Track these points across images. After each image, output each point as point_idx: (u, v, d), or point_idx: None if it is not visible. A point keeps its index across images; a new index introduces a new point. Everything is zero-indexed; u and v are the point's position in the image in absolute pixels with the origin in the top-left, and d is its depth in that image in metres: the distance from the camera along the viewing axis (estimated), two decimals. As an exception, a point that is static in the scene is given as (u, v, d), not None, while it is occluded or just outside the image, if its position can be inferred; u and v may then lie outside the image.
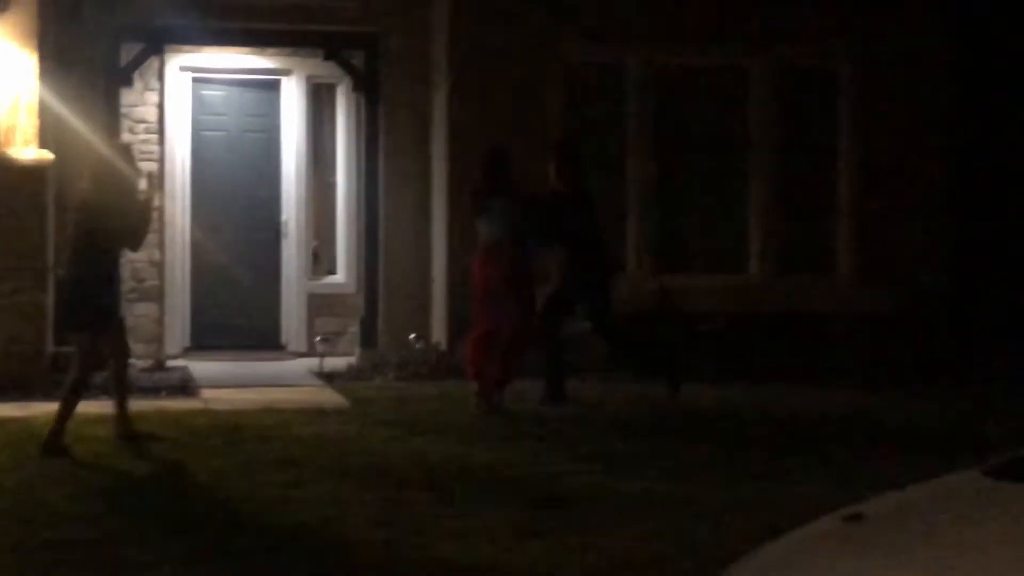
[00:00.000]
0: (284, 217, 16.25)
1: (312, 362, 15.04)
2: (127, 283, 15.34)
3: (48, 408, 10.98)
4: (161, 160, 15.66)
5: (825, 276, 15.70)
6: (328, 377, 14.22)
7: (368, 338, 15.44)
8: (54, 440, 9.91)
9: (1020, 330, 14.63)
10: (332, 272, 16.56)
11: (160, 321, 15.73)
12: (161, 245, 15.66)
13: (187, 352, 15.68)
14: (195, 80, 16.05)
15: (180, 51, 15.73)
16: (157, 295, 15.74)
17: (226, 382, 13.83)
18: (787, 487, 8.94)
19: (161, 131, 15.77)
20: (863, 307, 15.30)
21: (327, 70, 16.02)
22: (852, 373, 14.22)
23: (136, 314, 15.36)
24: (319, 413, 11.92)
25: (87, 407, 10.89)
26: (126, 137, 15.31)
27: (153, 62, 15.51)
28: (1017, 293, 15.28)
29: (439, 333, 15.05)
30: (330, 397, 12.98)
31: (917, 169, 15.57)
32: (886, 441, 10.79)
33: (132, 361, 14.70)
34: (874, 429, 11.41)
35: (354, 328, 15.84)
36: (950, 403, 12.71)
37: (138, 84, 15.55)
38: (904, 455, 10.01)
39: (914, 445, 10.54)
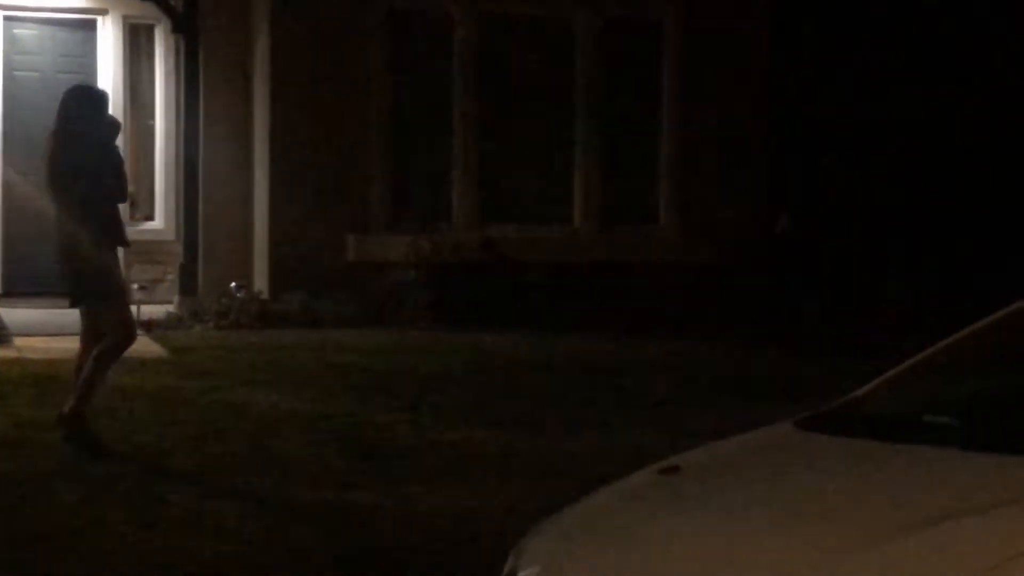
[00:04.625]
0: (101, 161, 15.93)
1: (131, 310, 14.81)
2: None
3: None
4: (-30, 101, 15.31)
5: (648, 227, 15.92)
6: (146, 325, 13.99)
7: (188, 286, 15.25)
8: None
9: (835, 278, 14.95)
10: (150, 218, 16.30)
11: (-31, 267, 15.40)
12: (-29, 188, 15.34)
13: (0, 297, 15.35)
14: (6, 19, 15.66)
15: (-11, -14, 15.39)
16: (-34, 240, 15.40)
17: (41, 330, 13.50)
18: (608, 438, 9.05)
19: (-30, 71, 15.40)
20: (685, 257, 15.54)
21: (145, 10, 15.69)
22: (674, 323, 14.40)
23: (-56, 258, 15.04)
24: (137, 363, 11.72)
25: None
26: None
27: (-40, -3, 15.14)
28: (833, 243, 15.63)
29: (261, 281, 14.95)
30: (148, 346, 12.78)
31: (738, 123, 15.84)
32: (706, 389, 11.01)
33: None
34: (695, 377, 11.58)
35: (173, 275, 15.65)
36: (764, 352, 12.96)
37: (-57, 20, 15.17)
38: (721, 402, 10.25)
39: (731, 392, 10.77)
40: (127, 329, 8.84)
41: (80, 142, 8.74)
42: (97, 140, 8.82)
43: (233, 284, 14.85)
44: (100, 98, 9.29)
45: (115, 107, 15.86)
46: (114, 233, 8.94)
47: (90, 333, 8.83)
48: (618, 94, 15.78)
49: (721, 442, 4.64)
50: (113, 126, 9.07)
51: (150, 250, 16.02)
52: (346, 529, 7.12)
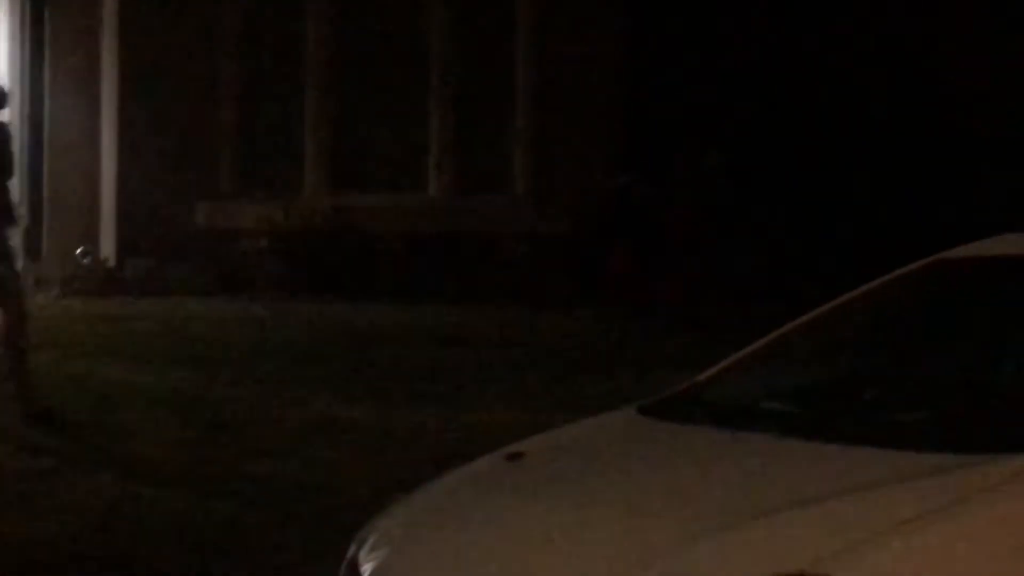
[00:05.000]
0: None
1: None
2: None
3: None
4: None
5: (503, 196, 15.92)
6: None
7: (32, 249, 14.99)
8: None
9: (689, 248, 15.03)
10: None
11: None
12: None
13: None
14: None
15: None
16: None
17: None
18: (453, 410, 9.02)
19: None
20: (539, 227, 15.57)
21: (-11, -35, 15.42)
22: (527, 293, 14.41)
23: None
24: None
25: None
26: None
27: None
28: (686, 214, 15.73)
29: (108, 248, 14.72)
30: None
31: (593, 91, 15.88)
32: (557, 363, 11.01)
33: None
34: (546, 350, 11.59)
35: (16, 240, 15.35)
36: (614, 322, 12.99)
37: None
38: (575, 378, 10.29)
39: (581, 368, 10.80)
40: None
41: None
42: None
43: (79, 250, 14.63)
44: None
45: (-45, 68, 15.56)
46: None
47: None
48: (474, 62, 15.74)
49: (566, 427, 4.63)
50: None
51: (-6, 214, 15.74)
52: (190, 502, 7.08)
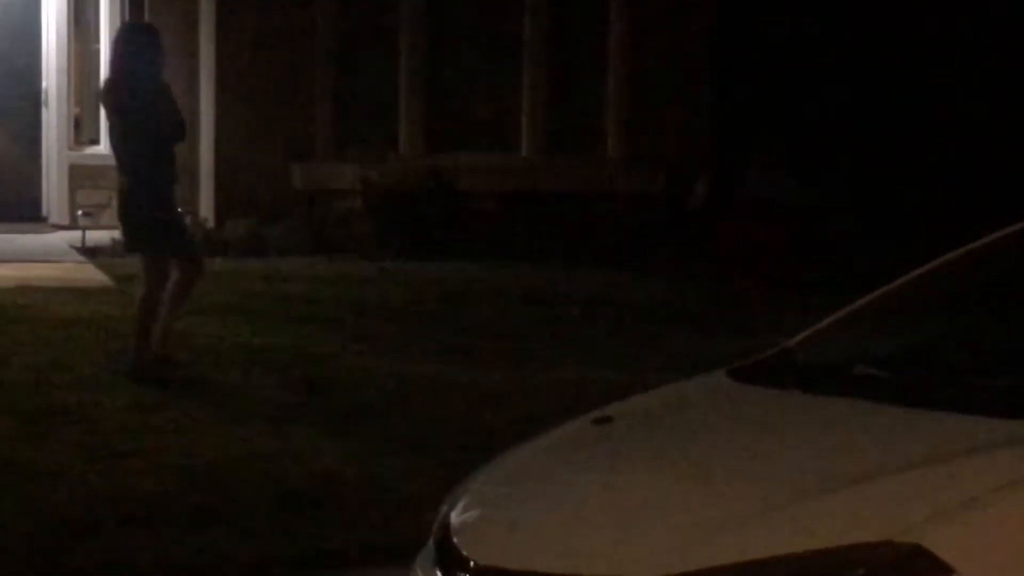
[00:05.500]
0: (44, 85, 15.83)
1: (74, 236, 14.70)
2: None
3: None
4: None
5: (595, 155, 15.89)
6: (90, 252, 13.92)
7: (133, 211, 15.18)
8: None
9: (770, 210, 14.95)
10: (95, 142, 16.13)
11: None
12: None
13: (-60, 224, 15.26)
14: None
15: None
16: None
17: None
18: (543, 371, 9.04)
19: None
20: (631, 187, 15.55)
21: (90, -67, 15.59)
22: (617, 252, 14.40)
23: None
24: (80, 292, 11.67)
25: None
26: None
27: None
28: (773, 178, 15.64)
29: (207, 209, 14.85)
30: (92, 274, 12.73)
31: (683, 54, 15.80)
32: (647, 321, 11.01)
33: None
34: (637, 309, 11.58)
35: (120, 200, 15.55)
36: (700, 284, 12.96)
37: None
38: (665, 337, 10.29)
39: (672, 325, 10.79)
40: None
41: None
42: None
43: (179, 209, 14.75)
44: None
45: (59, 30, 15.76)
46: None
47: None
48: (567, 23, 15.69)
49: (654, 391, 4.64)
50: None
51: (95, 175, 15.90)
52: (283, 461, 7.09)
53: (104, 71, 15.92)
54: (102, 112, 15.94)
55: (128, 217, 8.96)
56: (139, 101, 8.64)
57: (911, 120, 16.63)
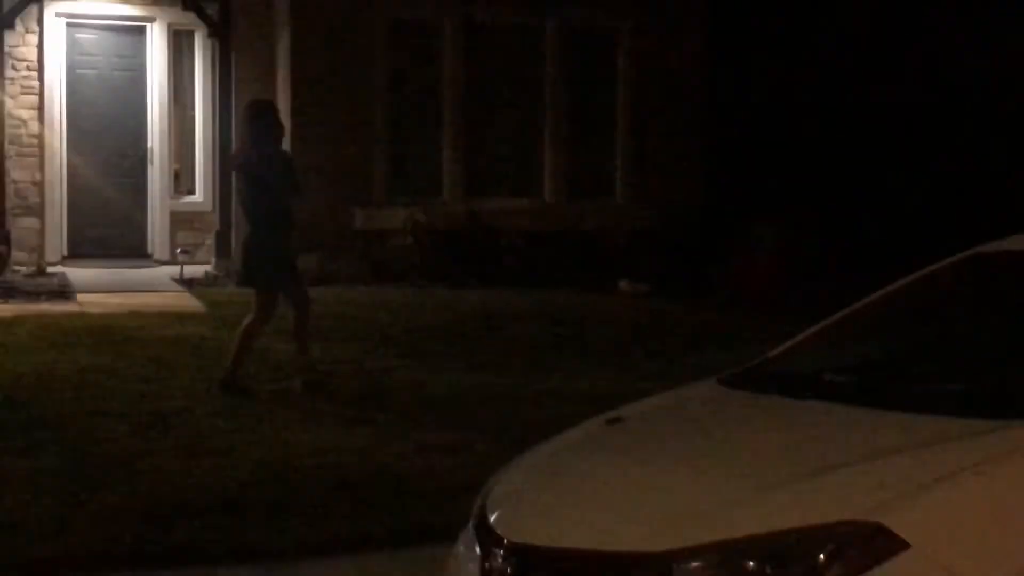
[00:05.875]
0: (150, 144, 15.90)
1: (173, 270, 14.78)
2: (11, 200, 14.96)
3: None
4: (40, 94, 15.28)
5: (604, 200, 15.88)
6: (187, 283, 14.01)
7: (222, 249, 15.19)
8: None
9: (755, 243, 14.89)
10: (191, 192, 16.24)
11: (43, 232, 15.35)
12: (41, 167, 15.31)
13: (64, 260, 15.31)
14: (69, 25, 15.56)
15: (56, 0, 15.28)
16: (39, 211, 15.35)
17: (99, 287, 13.52)
18: (568, 381, 9.02)
19: (41, 69, 15.33)
20: (635, 224, 15.55)
21: (186, 18, 15.64)
22: (624, 279, 14.39)
23: (21, 226, 15.02)
24: (179, 316, 11.74)
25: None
26: (9, 74, 14.87)
27: (32, 8, 15.04)
28: (751, 217, 15.61)
29: (284, 245, 14.90)
30: (188, 302, 12.79)
31: (679, 115, 15.83)
32: (651, 338, 10.97)
33: (16, 267, 14.44)
34: (641, 328, 11.56)
35: (210, 240, 15.59)
36: (694, 306, 12.91)
37: (19, 27, 15.10)
38: (666, 351, 10.26)
39: (671, 342, 10.76)
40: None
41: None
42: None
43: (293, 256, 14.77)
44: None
45: (161, 99, 15.86)
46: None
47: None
48: (583, 91, 15.72)
49: (657, 396, 4.62)
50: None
51: (191, 219, 16.01)
52: (349, 455, 7.10)
53: (199, 134, 16.09)
54: (197, 167, 16.14)
55: (249, 260, 8.88)
56: (267, 170, 8.59)
57: (871, 172, 16.60)
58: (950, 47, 16.61)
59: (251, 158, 8.69)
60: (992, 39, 16.42)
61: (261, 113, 8.91)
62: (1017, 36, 16.16)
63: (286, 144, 14.56)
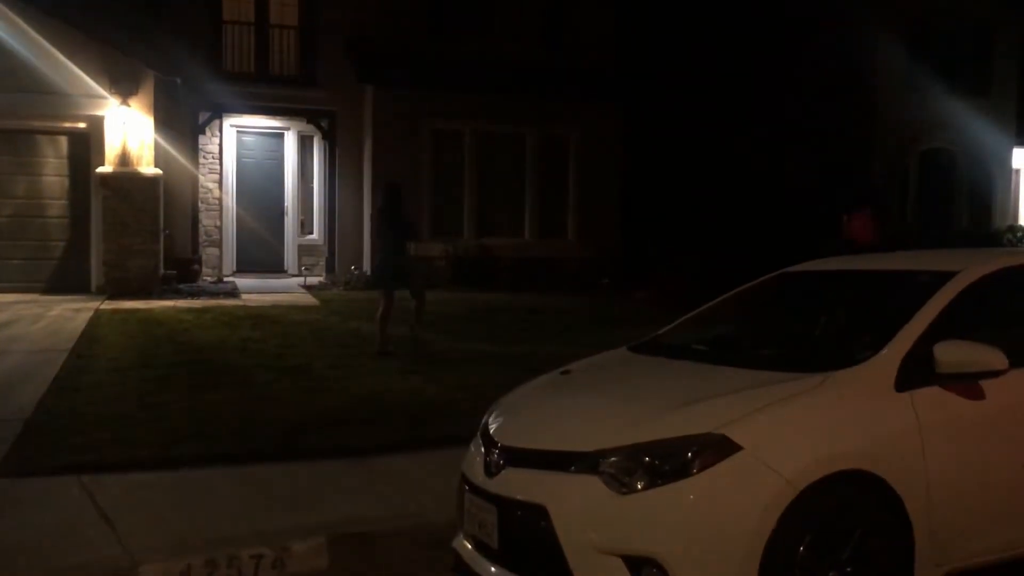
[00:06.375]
0: (286, 204, 15.86)
1: (299, 280, 14.74)
2: (202, 237, 14.90)
3: (159, 303, 10.51)
4: (220, 173, 15.23)
5: (562, 239, 15.89)
6: (308, 288, 13.98)
7: (329, 267, 15.22)
8: (383, 345, 8.54)
9: (653, 267, 14.89)
10: (311, 233, 16.22)
11: (220, 256, 15.30)
12: (220, 217, 15.27)
13: (234, 273, 15.27)
14: (238, 132, 15.52)
15: (230, 115, 15.23)
16: (219, 243, 15.31)
17: (255, 290, 13.48)
18: (539, 347, 8.96)
19: (221, 159, 15.28)
20: (580, 254, 15.55)
21: (309, 128, 15.64)
22: (572, 287, 14.39)
23: (208, 253, 14.97)
24: (303, 308, 11.71)
25: (179, 303, 10.43)
26: (201, 161, 14.82)
27: (216, 122, 15.01)
28: (652, 251, 15.61)
29: (367, 266, 14.88)
30: (308, 299, 12.78)
31: (605, 188, 15.83)
32: (589, 323, 10.94)
33: (204, 278, 14.43)
34: (583, 317, 11.52)
35: (322, 262, 15.61)
36: (614, 304, 12.89)
37: (208, 133, 15.04)
38: (598, 330, 10.21)
39: (597, 323, 10.71)
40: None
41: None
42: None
43: (352, 267, 14.81)
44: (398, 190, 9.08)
45: (293, 177, 15.82)
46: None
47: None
48: (548, 172, 15.73)
49: (592, 357, 4.56)
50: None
51: (311, 249, 15.99)
52: (404, 393, 7.00)
53: (316, 198, 16.06)
54: (315, 218, 16.08)
55: (378, 272, 8.90)
56: (400, 222, 8.66)
57: (739, 217, 16.61)
58: (792, 134, 16.64)
59: (386, 213, 8.71)
60: (825, 130, 16.39)
61: (393, 188, 8.97)
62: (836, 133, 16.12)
63: (368, 198, 14.71)
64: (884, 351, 3.50)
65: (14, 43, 11.83)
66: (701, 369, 3.88)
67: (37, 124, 12.24)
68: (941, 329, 3.55)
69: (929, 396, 3.42)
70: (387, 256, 8.65)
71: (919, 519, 3.27)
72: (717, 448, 3.18)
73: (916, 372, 3.44)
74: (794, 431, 3.28)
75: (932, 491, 3.31)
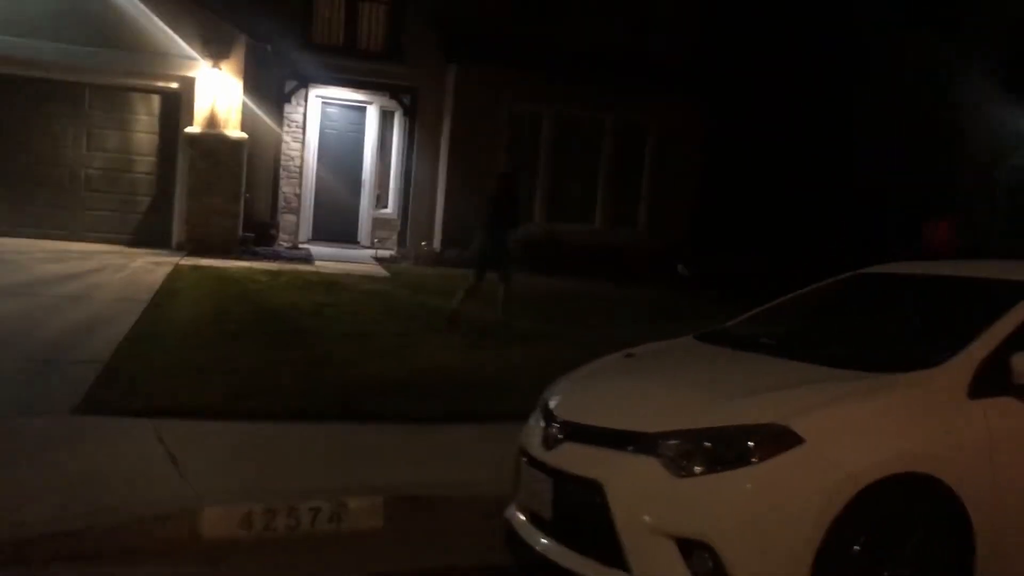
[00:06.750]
0: (363, 176, 16.01)
1: (372, 252, 14.91)
2: (281, 203, 15.20)
3: (236, 263, 10.74)
4: (303, 141, 15.45)
5: (632, 229, 15.78)
6: (380, 260, 14.15)
7: (401, 241, 15.37)
8: (454, 317, 8.68)
9: (723, 263, 14.69)
10: (385, 207, 16.38)
11: (297, 224, 15.58)
12: (300, 184, 15.51)
13: (310, 241, 15.52)
14: (323, 103, 15.73)
15: (316, 86, 15.42)
16: (297, 210, 15.59)
17: (328, 258, 13.66)
18: (604, 332, 8.91)
19: (304, 128, 15.50)
20: (650, 245, 15.43)
21: (391, 104, 15.76)
22: (640, 279, 14.28)
23: (285, 219, 15.25)
24: (373, 278, 11.84)
25: (255, 264, 10.62)
26: (286, 128, 15.11)
27: (301, 91, 15.23)
28: (723, 247, 15.40)
29: (437, 242, 14.99)
30: (380, 270, 12.93)
31: (681, 184, 15.66)
32: (654, 313, 10.85)
33: (280, 243, 14.75)
34: (649, 307, 11.43)
35: (395, 236, 15.77)
36: (682, 297, 12.74)
37: (293, 102, 15.28)
38: (663, 321, 10.11)
39: (666, 316, 10.60)
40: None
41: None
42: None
43: (423, 242, 14.93)
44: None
45: (372, 151, 16.02)
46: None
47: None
48: (623, 161, 15.63)
49: (658, 342, 4.59)
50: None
51: (384, 223, 16.17)
52: (466, 366, 7.00)
53: (393, 173, 16.25)
54: (391, 192, 16.27)
55: (482, 251, 8.95)
56: (512, 211, 8.85)
57: (812, 218, 16.30)
58: (876, 139, 16.24)
59: (500, 202, 8.85)
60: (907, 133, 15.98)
61: (506, 175, 9.19)
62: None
63: (443, 179, 14.82)
64: (959, 356, 3.44)
65: (113, 0, 12.21)
66: (768, 361, 3.86)
67: (132, 81, 12.62)
68: (1019, 340, 3.46)
69: (1002, 406, 3.34)
70: (495, 241, 8.76)
71: (982, 529, 3.20)
72: (779, 439, 3.16)
73: (991, 381, 3.37)
74: (858, 429, 3.24)
75: (998, 502, 3.23)
